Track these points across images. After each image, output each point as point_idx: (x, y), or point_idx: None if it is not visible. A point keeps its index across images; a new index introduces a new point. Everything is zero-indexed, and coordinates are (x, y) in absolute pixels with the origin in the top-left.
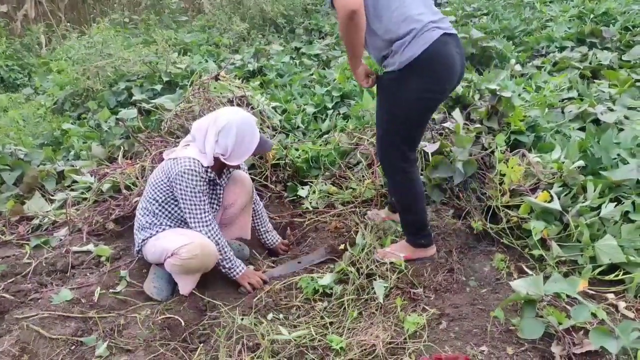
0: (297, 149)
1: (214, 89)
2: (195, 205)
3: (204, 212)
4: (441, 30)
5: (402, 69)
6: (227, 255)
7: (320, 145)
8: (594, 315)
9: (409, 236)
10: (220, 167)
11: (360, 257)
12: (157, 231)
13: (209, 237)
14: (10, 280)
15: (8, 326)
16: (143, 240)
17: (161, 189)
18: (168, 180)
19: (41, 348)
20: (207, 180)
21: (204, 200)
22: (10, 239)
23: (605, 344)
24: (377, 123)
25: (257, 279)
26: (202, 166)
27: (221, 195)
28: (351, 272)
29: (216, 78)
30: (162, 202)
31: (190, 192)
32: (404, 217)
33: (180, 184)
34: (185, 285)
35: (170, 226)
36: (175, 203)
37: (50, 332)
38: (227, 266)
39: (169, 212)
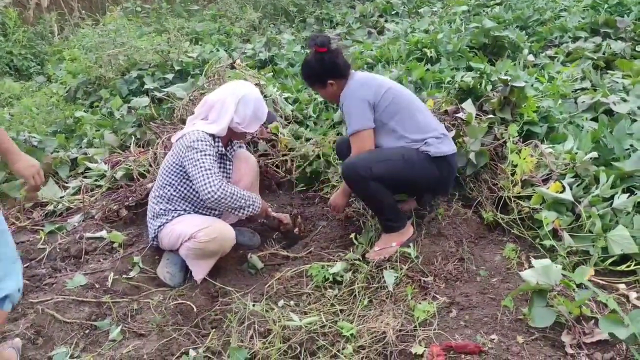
0: (308, 139)
1: (228, 78)
2: (203, 167)
3: (214, 174)
4: None
5: None
6: (246, 202)
7: (332, 135)
8: (604, 305)
9: (387, 226)
10: (225, 143)
11: (369, 249)
12: (172, 216)
13: (222, 197)
14: (25, 265)
15: (23, 310)
16: (159, 226)
17: (174, 171)
18: (180, 159)
19: (56, 331)
20: (216, 151)
21: (214, 165)
22: (25, 224)
23: (614, 330)
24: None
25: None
26: (211, 137)
27: (230, 170)
28: (359, 265)
29: (232, 66)
30: (177, 184)
31: (201, 156)
32: (377, 211)
33: (189, 152)
34: (200, 271)
35: (186, 210)
36: (190, 182)
37: (64, 316)
38: (249, 209)
39: (185, 194)
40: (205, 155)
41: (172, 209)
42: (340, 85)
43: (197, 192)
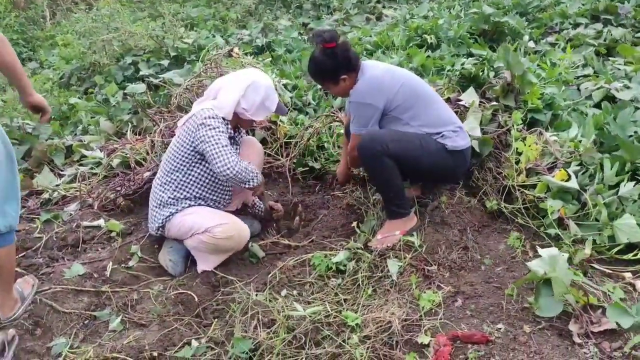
0: (310, 126)
1: (225, 65)
2: (220, 144)
3: (231, 151)
4: None
5: None
6: (250, 175)
7: (332, 121)
8: (612, 293)
9: (391, 212)
10: (232, 128)
11: (371, 237)
12: (182, 207)
13: (237, 173)
14: (21, 254)
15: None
16: (167, 216)
17: (184, 154)
18: (191, 139)
19: (54, 322)
20: (227, 131)
21: (228, 142)
22: (20, 213)
23: (620, 319)
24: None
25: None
26: (221, 117)
27: (238, 155)
28: (362, 254)
29: (229, 54)
30: (187, 169)
31: (215, 132)
32: (385, 193)
33: (202, 130)
34: (207, 264)
35: (195, 196)
36: (202, 163)
37: (63, 306)
38: (252, 181)
39: (196, 178)
40: (219, 132)
41: (182, 197)
42: (352, 79)
43: (211, 169)
